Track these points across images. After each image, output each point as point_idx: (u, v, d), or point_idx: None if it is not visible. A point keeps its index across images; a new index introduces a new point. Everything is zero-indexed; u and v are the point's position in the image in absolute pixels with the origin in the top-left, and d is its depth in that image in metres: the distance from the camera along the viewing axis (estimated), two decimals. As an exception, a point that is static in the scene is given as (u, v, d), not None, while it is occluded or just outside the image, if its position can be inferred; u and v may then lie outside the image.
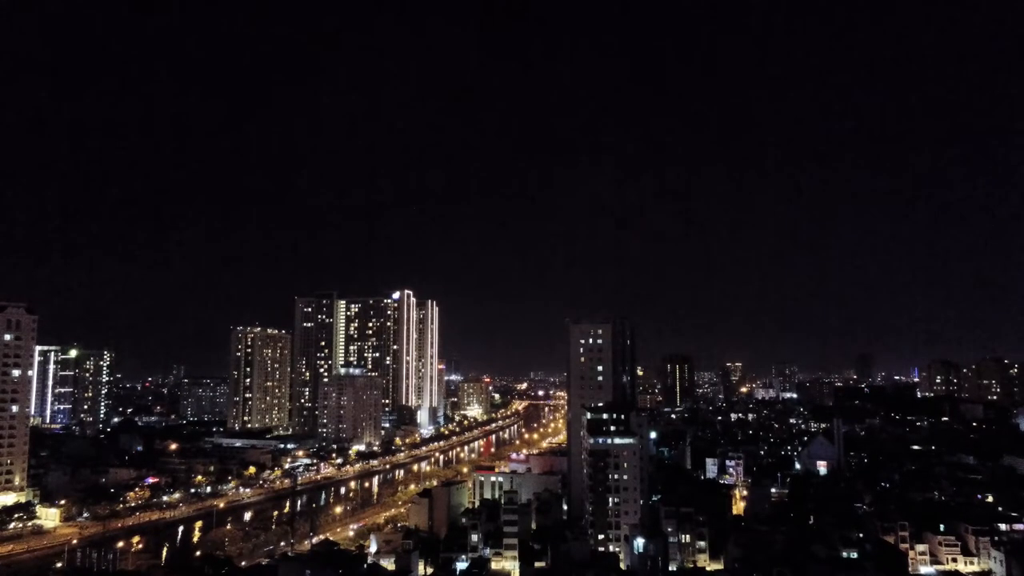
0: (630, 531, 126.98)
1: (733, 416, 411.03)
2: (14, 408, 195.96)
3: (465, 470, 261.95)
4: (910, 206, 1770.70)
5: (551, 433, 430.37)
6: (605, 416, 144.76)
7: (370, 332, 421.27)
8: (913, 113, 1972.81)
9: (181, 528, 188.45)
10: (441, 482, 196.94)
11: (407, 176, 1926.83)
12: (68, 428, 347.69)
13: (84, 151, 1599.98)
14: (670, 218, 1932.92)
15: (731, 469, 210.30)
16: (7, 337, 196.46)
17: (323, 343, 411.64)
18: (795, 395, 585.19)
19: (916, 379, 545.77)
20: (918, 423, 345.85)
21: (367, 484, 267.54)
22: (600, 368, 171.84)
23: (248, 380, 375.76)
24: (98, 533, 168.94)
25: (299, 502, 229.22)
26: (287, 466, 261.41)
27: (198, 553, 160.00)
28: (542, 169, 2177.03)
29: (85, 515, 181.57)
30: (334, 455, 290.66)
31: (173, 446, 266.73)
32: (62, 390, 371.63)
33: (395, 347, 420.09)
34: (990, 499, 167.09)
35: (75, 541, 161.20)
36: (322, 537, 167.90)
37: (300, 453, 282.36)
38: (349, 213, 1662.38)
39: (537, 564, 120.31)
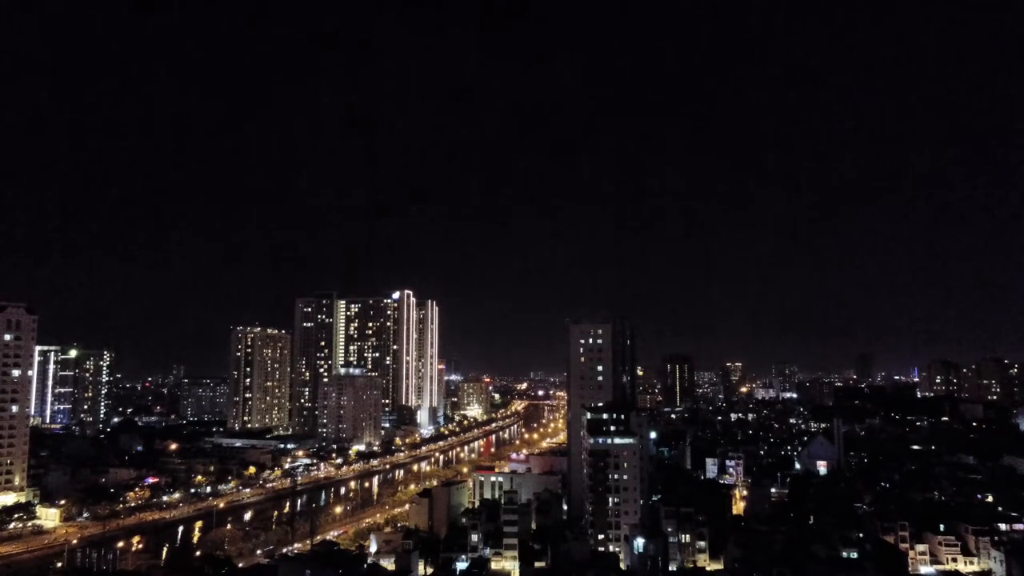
0: (630, 531, 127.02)
1: (733, 416, 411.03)
2: (14, 408, 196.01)
3: (465, 470, 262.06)
4: (910, 206, 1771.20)
5: (551, 433, 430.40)
6: (605, 416, 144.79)
7: (370, 332, 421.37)
8: (913, 113, 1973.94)
9: (181, 528, 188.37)
10: (441, 482, 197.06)
11: (407, 176, 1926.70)
12: (68, 428, 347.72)
13: (84, 151, 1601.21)
14: (670, 218, 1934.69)
15: (731, 469, 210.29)
16: (7, 337, 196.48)
17: (323, 343, 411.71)
18: (795, 395, 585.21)
19: (916, 379, 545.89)
20: (918, 423, 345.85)
21: (367, 484, 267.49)
22: (600, 368, 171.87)
23: (248, 380, 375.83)
24: (98, 533, 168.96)
25: (299, 502, 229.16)
26: (287, 466, 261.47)
27: (198, 553, 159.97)
28: (542, 169, 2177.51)
29: (85, 515, 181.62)
30: (334, 455, 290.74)
31: (173, 446, 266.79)
32: (62, 390, 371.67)
33: (395, 347, 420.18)
34: (990, 499, 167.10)
35: (75, 541, 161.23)
36: (322, 537, 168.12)
37: (300, 453, 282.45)
38: (349, 213, 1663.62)
39: (537, 564, 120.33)
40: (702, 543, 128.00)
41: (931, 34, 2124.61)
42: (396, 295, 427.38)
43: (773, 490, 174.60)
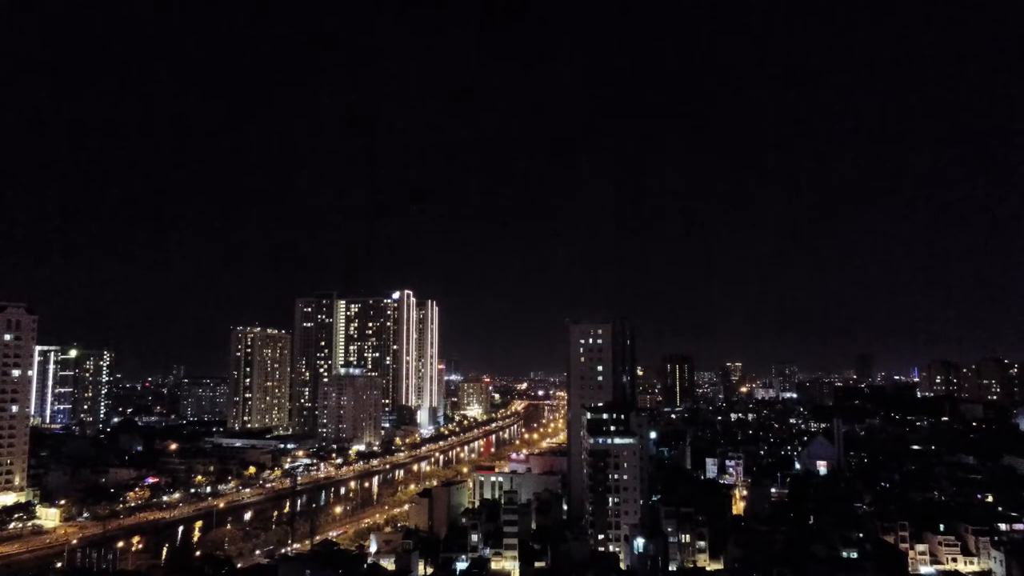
0: (630, 531, 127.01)
1: (733, 416, 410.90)
2: (14, 408, 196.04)
3: (465, 470, 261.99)
4: (910, 206, 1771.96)
5: (551, 433, 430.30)
6: (605, 416, 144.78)
7: (370, 332, 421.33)
8: (913, 113, 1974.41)
9: (181, 528, 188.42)
10: (441, 482, 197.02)
11: (407, 176, 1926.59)
12: (68, 428, 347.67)
13: (84, 151, 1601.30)
14: (670, 218, 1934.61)
15: (731, 469, 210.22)
16: (7, 337, 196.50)
17: (323, 343, 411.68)
18: (795, 395, 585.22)
19: (916, 379, 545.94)
20: (918, 423, 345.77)
21: (367, 484, 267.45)
22: (600, 368, 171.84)
23: (248, 380, 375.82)
24: (98, 533, 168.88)
25: (299, 502, 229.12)
26: (287, 466, 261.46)
27: (198, 553, 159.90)
28: (542, 169, 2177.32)
29: (85, 515, 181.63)
30: (334, 455, 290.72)
31: (173, 446, 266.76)
32: (62, 390, 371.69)
33: (395, 347, 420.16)
34: (990, 499, 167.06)
35: (75, 541, 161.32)
36: (322, 537, 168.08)
37: (300, 453, 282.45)
38: (349, 213, 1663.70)
39: (537, 564, 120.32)
40: (702, 543, 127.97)
41: (931, 34, 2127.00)
42: (396, 295, 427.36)
43: (773, 490, 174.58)
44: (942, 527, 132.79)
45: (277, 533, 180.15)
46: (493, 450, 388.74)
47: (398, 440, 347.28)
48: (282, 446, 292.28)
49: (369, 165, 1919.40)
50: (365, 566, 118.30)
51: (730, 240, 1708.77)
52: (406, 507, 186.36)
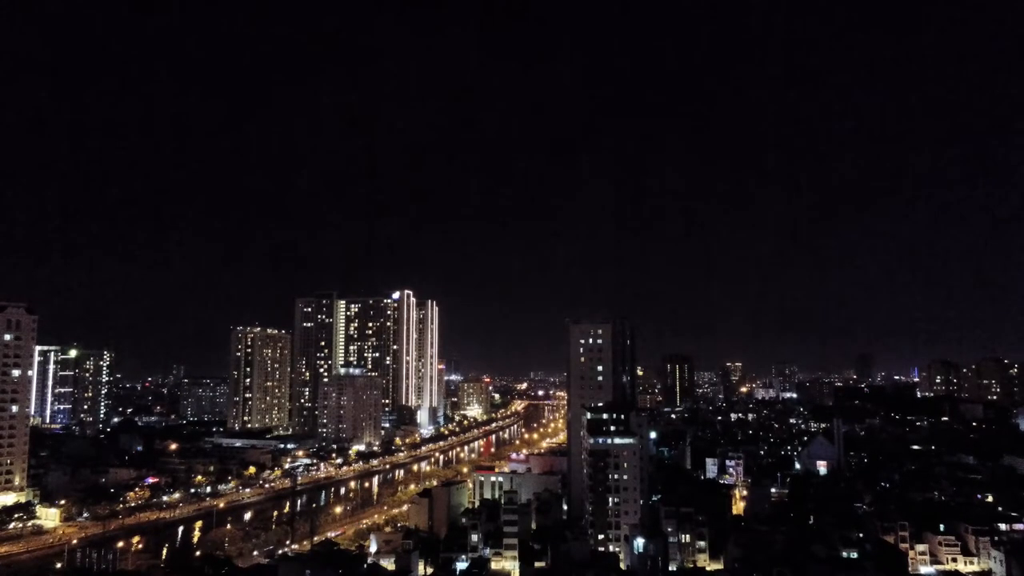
0: (630, 531, 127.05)
1: (733, 416, 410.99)
2: (14, 408, 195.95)
3: (465, 470, 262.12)
4: (910, 206, 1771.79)
5: (551, 433, 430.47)
6: (605, 416, 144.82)
7: (370, 332, 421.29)
8: (913, 113, 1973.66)
9: (181, 528, 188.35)
10: (441, 482, 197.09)
11: (407, 176, 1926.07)
12: (68, 428, 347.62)
13: (84, 151, 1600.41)
14: (670, 218, 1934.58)
15: (731, 469, 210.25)
16: (7, 337, 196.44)
17: (323, 343, 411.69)
18: (795, 395, 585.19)
19: (916, 379, 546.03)
20: (918, 423, 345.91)
21: (367, 484, 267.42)
22: (600, 368, 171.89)
23: (248, 380, 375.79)
24: (98, 533, 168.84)
25: (299, 502, 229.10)
26: (287, 466, 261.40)
27: (198, 553, 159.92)
28: (542, 169, 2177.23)
29: (85, 515, 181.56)
30: (334, 455, 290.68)
31: (173, 446, 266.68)
32: (62, 390, 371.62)
33: (395, 347, 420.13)
34: (990, 499, 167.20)
35: (75, 541, 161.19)
36: (322, 537, 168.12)
37: (300, 453, 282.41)
38: (349, 213, 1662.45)
39: (537, 564, 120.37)
40: (702, 543, 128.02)
41: (931, 34, 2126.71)
42: (396, 295, 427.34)
43: (773, 490, 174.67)
44: (942, 527, 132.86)
45: (277, 533, 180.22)
46: (493, 450, 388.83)
47: (398, 440, 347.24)
48: (282, 446, 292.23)
49: (369, 165, 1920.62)
50: (365, 566, 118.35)
51: (730, 240, 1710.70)
52: (406, 507, 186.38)
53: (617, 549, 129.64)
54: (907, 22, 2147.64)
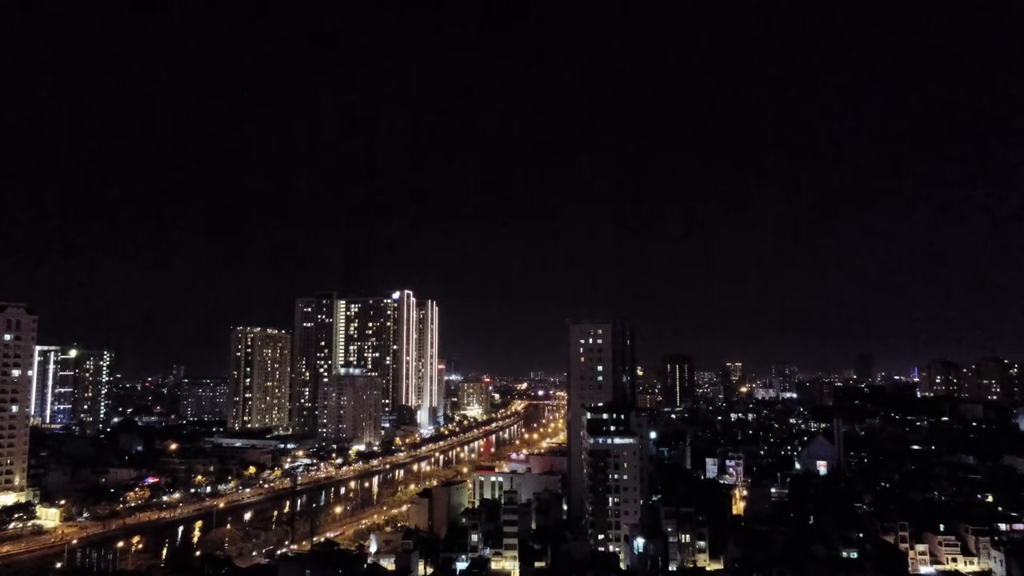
0: (630, 531, 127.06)
1: (733, 416, 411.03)
2: (14, 408, 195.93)
3: (465, 470, 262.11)
4: (910, 206, 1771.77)
5: (551, 433, 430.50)
6: (605, 416, 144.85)
7: (370, 332, 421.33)
8: (913, 113, 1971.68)
9: (181, 528, 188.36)
10: (441, 482, 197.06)
11: (407, 176, 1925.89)
12: (68, 428, 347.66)
13: (84, 151, 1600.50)
14: (670, 218, 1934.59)
15: (731, 469, 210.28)
16: (7, 337, 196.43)
17: (323, 343, 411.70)
18: (795, 395, 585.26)
19: (916, 379, 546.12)
20: (918, 423, 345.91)
21: (367, 484, 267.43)
22: (600, 368, 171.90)
23: (248, 380, 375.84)
24: (98, 533, 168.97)
25: (299, 502, 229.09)
26: (287, 466, 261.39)
27: (198, 553, 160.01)
28: (542, 169, 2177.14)
29: (85, 515, 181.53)
30: (334, 455, 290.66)
31: (173, 446, 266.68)
32: (62, 390, 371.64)
33: (395, 347, 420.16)
34: (990, 499, 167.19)
35: (75, 541, 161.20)
36: (322, 537, 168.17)
37: (300, 453, 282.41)
38: (349, 213, 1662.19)
39: (537, 564, 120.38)
40: (702, 543, 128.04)
41: (931, 34, 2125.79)
42: (396, 295, 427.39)
43: (773, 490, 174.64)
44: (942, 527, 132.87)
45: (277, 533, 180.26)
46: (493, 450, 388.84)
47: (398, 440, 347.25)
48: (282, 446, 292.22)
49: (369, 165, 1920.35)
50: (365, 566, 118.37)
51: (730, 240, 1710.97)
52: (406, 507, 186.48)
53: (617, 549, 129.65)
54: (907, 22, 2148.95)
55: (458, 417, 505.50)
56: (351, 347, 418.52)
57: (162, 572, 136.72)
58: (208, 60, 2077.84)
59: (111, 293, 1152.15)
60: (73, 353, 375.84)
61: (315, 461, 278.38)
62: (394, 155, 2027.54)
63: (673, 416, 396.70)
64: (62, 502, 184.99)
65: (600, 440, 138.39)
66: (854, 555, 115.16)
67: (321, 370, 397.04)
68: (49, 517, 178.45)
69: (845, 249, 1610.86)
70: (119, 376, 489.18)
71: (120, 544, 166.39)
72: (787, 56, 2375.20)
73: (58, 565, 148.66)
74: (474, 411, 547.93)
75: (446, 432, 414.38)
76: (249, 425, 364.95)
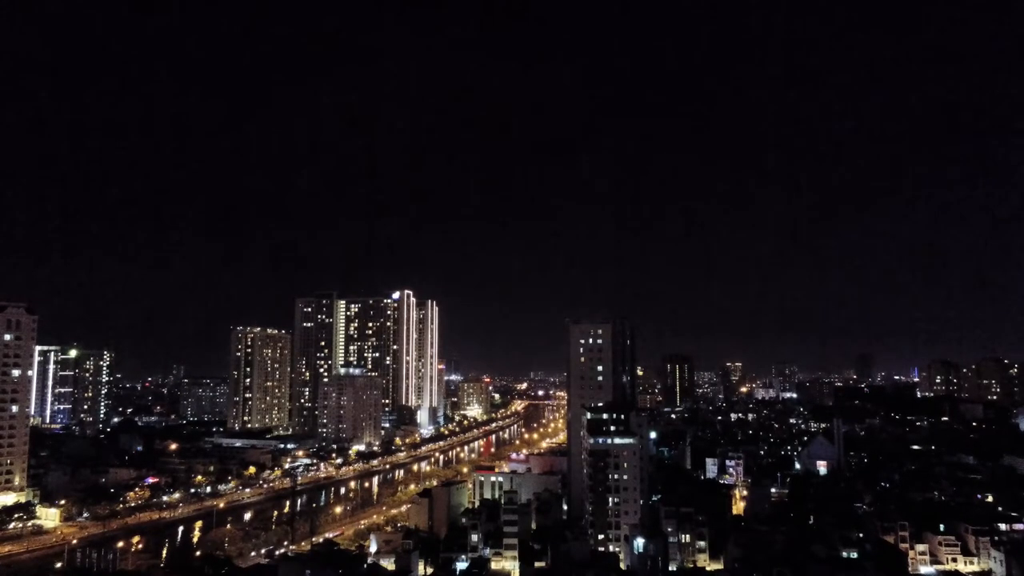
0: (630, 531, 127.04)
1: (733, 416, 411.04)
2: (14, 408, 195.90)
3: (465, 470, 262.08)
4: (910, 206, 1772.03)
5: (551, 433, 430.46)
6: (605, 416, 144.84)
7: (370, 332, 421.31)
8: (913, 113, 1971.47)
9: (181, 528, 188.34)
10: (441, 482, 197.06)
11: (407, 176, 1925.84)
12: (68, 428, 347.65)
13: (84, 151, 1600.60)
14: (670, 218, 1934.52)
15: (731, 469, 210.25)
16: (7, 337, 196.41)
17: (323, 343, 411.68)
18: (795, 395, 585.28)
19: (916, 379, 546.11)
20: (918, 423, 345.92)
21: (367, 484, 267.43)
22: (600, 368, 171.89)
23: (248, 380, 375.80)
24: (98, 533, 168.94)
25: (299, 502, 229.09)
26: (287, 466, 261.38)
27: (198, 553, 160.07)
28: (542, 169, 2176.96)
29: (85, 515, 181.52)
30: (334, 455, 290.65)
31: (173, 446, 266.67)
32: (62, 390, 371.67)
33: (395, 347, 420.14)
34: (990, 499, 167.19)
35: (75, 541, 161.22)
36: (322, 537, 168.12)
37: (300, 453, 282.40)
38: (349, 213, 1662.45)
39: (537, 564, 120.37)
40: (702, 543, 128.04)
41: (931, 34, 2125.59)
42: (396, 295, 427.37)
43: (773, 490, 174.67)
44: (942, 527, 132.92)
45: (277, 533, 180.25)
46: (493, 450, 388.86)
47: (398, 440, 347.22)
48: (282, 446, 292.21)
49: (369, 165, 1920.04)
50: (365, 566, 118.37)
51: (730, 240, 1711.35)
52: (406, 507, 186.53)
53: (617, 549, 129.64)
54: (907, 22, 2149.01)
55: (458, 417, 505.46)
56: (351, 347, 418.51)
57: (162, 572, 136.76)
58: (208, 60, 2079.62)
59: (111, 293, 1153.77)
60: (73, 353, 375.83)
61: (315, 461, 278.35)
62: (394, 155, 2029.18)
63: (673, 416, 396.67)
64: (62, 502, 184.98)
65: (600, 440, 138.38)
66: (854, 555, 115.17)
67: (321, 370, 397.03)
68: (49, 517, 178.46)
69: (845, 249, 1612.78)
70: (119, 376, 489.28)
71: (120, 544, 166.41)
72: (787, 56, 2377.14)
73: (58, 565, 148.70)
74: (474, 411, 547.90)
75: (446, 432, 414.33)
76: (249, 425, 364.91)
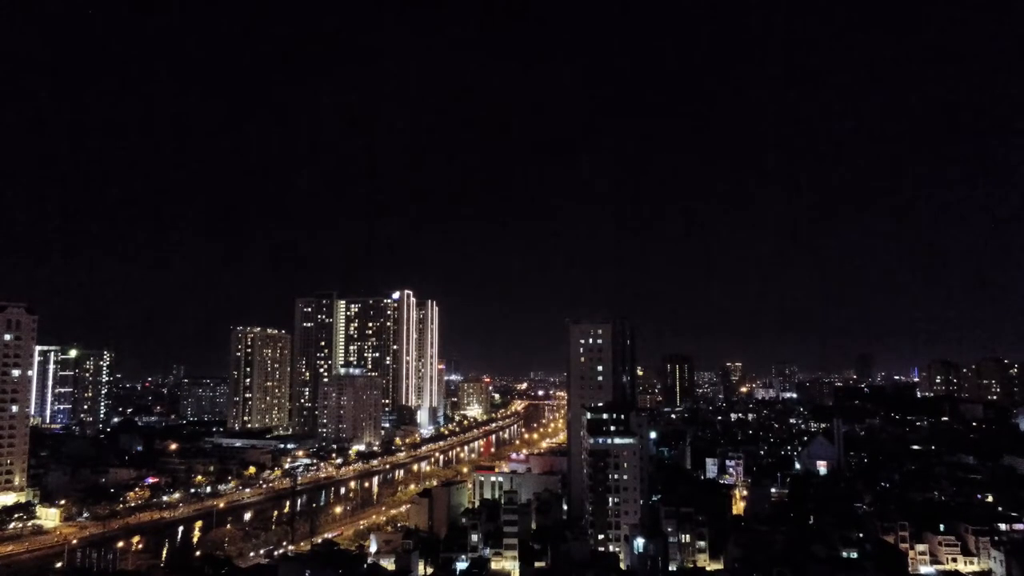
0: (630, 531, 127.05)
1: (733, 416, 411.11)
2: (14, 408, 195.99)
3: (465, 470, 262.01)
4: (910, 206, 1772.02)
5: (551, 433, 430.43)
6: (605, 416, 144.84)
7: (370, 332, 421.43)
8: (913, 113, 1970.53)
9: (181, 528, 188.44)
10: (441, 482, 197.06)
11: (407, 176, 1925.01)
12: (68, 428, 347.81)
13: (84, 151, 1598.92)
14: (670, 218, 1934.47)
15: (731, 469, 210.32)
16: (7, 337, 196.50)
17: (323, 343, 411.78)
18: (795, 395, 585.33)
19: (916, 379, 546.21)
20: (918, 423, 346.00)
21: (367, 484, 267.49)
22: (600, 368, 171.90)
23: (248, 380, 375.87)
24: (98, 533, 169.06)
25: (299, 502, 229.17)
26: (287, 466, 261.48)
27: (198, 553, 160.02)
28: (542, 169, 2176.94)
29: (85, 515, 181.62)
30: (334, 455, 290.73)
31: (173, 446, 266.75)
32: (62, 390, 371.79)
33: (395, 347, 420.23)
34: (990, 499, 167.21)
35: (75, 541, 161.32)
36: (322, 537, 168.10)
37: (300, 453, 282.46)
38: (349, 213, 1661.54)
39: (537, 564, 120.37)
40: (702, 543, 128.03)
41: (931, 34, 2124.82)
42: (396, 295, 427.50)
43: (773, 490, 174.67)
44: (942, 527, 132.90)
45: (277, 533, 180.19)
46: (493, 450, 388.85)
47: (398, 440, 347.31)
48: (282, 446, 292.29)
49: (369, 165, 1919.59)
50: (365, 566, 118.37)
51: (730, 240, 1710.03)
52: (406, 507, 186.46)
53: (617, 549, 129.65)
54: (907, 22, 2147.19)
55: (458, 417, 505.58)
56: (351, 347, 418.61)
57: (162, 572, 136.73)
58: (208, 60, 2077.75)
59: (111, 293, 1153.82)
60: (73, 353, 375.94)
61: (315, 461, 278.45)
62: (394, 155, 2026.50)
63: (673, 416, 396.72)
64: (62, 502, 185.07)
65: (600, 440, 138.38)
66: (854, 555, 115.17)
67: (321, 370, 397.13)
68: (49, 517, 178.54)
69: (845, 249, 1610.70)
70: (119, 376, 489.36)
71: (120, 544, 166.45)
72: (787, 56, 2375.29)
73: (58, 565, 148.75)
74: (474, 411, 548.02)
75: (446, 432, 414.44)
76: (249, 425, 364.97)
